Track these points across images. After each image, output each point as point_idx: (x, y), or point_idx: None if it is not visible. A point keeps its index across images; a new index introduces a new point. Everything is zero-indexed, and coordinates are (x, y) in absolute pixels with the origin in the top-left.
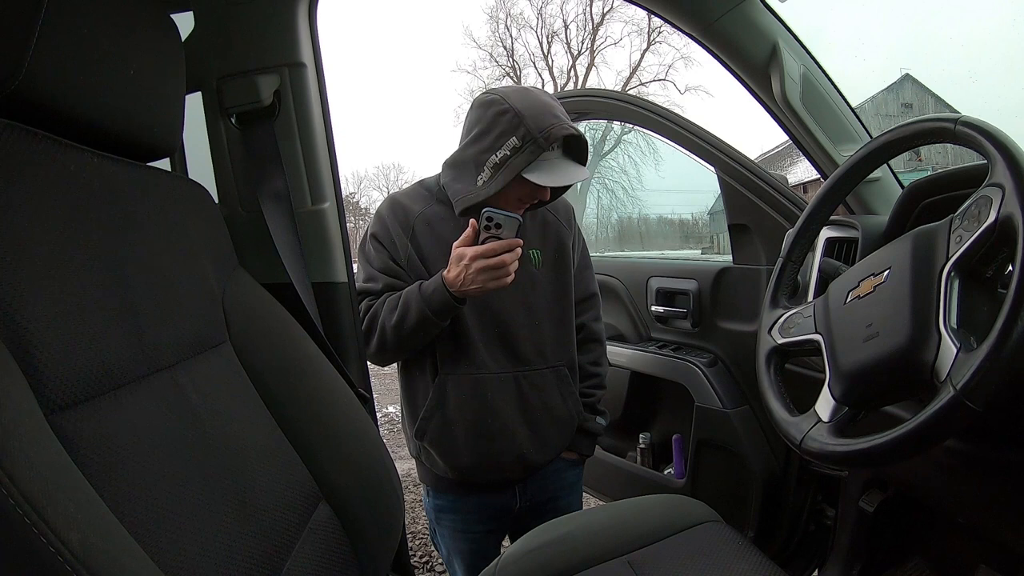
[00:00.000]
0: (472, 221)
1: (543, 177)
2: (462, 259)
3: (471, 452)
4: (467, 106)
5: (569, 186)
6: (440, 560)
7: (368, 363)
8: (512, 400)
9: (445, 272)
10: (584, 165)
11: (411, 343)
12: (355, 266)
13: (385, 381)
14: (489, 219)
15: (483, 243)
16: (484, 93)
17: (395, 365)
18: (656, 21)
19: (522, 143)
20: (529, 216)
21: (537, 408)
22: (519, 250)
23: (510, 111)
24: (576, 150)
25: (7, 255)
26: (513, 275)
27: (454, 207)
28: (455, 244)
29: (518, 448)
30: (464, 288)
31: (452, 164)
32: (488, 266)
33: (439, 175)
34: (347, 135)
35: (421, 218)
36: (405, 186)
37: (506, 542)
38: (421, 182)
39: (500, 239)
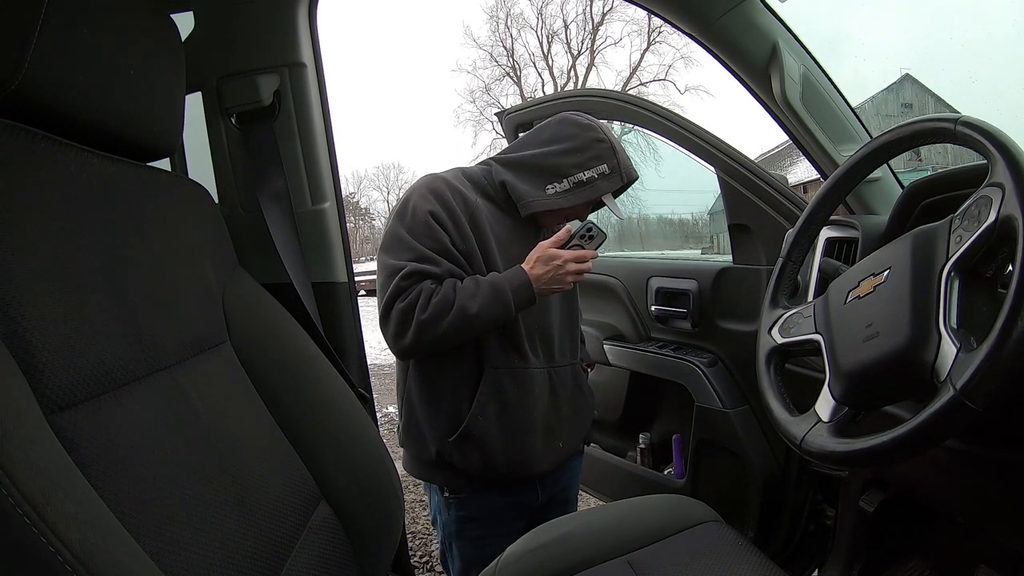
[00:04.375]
0: (568, 226)
1: (613, 206)
2: (554, 259)
3: (517, 445)
4: (467, 106)
5: None
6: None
7: (367, 362)
8: (547, 393)
9: (528, 268)
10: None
11: (478, 333)
12: (356, 267)
13: (385, 381)
14: (588, 230)
15: (570, 248)
16: (576, 114)
17: (395, 365)
18: (656, 21)
19: (611, 172)
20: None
21: (565, 400)
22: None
23: (607, 141)
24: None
25: (7, 255)
26: None
27: (519, 208)
28: (544, 244)
29: (553, 439)
30: (547, 286)
31: (519, 165)
32: (579, 270)
33: (485, 169)
34: (347, 135)
35: (479, 210)
36: (443, 171)
37: None
38: (462, 171)
39: (584, 248)
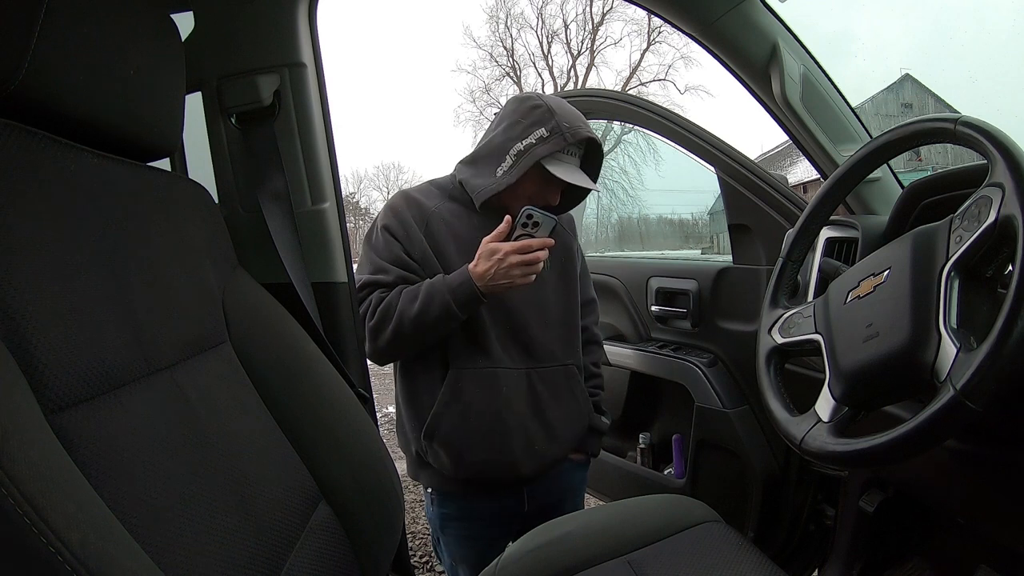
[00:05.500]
0: (508, 217)
1: (560, 171)
2: (495, 254)
3: (486, 447)
4: (467, 106)
5: (578, 201)
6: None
7: (368, 362)
8: (524, 395)
9: (472, 266)
10: (595, 180)
11: (427, 337)
12: (356, 265)
13: (385, 381)
14: (529, 216)
15: (516, 240)
16: (520, 93)
17: (391, 364)
18: (656, 21)
19: (549, 134)
20: None
21: (548, 403)
22: (547, 250)
23: (543, 106)
24: (591, 165)
25: (7, 255)
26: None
27: (474, 201)
28: (486, 239)
29: (530, 443)
30: (492, 283)
31: (471, 160)
32: (523, 262)
33: (452, 175)
34: (347, 135)
35: (436, 213)
36: (414, 184)
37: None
38: (432, 181)
39: (533, 237)
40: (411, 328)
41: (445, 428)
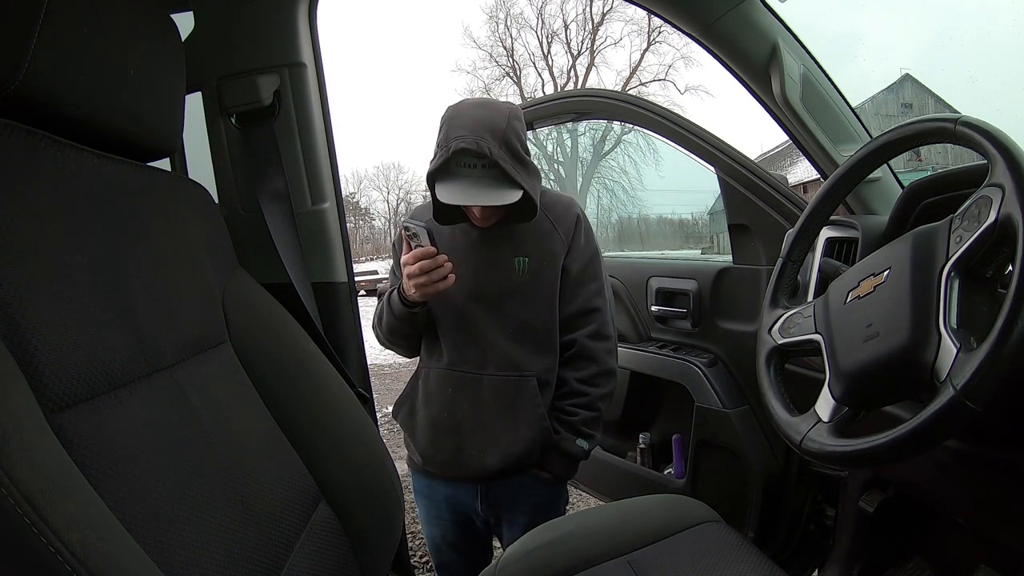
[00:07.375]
0: (402, 232)
1: (443, 192)
2: (401, 267)
3: (428, 441)
4: None
5: (527, 208)
6: None
7: (368, 362)
8: (471, 400)
9: None
10: (521, 189)
11: (396, 340)
12: (356, 267)
13: (385, 381)
14: (406, 229)
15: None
16: None
17: (395, 365)
18: (656, 21)
19: (439, 151)
20: (526, 223)
21: (495, 412)
22: (442, 256)
23: (444, 117)
24: (503, 171)
25: (7, 255)
26: (450, 279)
27: None
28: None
29: (470, 446)
30: (415, 292)
31: None
32: (410, 274)
33: None
34: (347, 135)
35: (427, 225)
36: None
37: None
38: None
39: (423, 247)
40: (379, 331)
41: (402, 415)
